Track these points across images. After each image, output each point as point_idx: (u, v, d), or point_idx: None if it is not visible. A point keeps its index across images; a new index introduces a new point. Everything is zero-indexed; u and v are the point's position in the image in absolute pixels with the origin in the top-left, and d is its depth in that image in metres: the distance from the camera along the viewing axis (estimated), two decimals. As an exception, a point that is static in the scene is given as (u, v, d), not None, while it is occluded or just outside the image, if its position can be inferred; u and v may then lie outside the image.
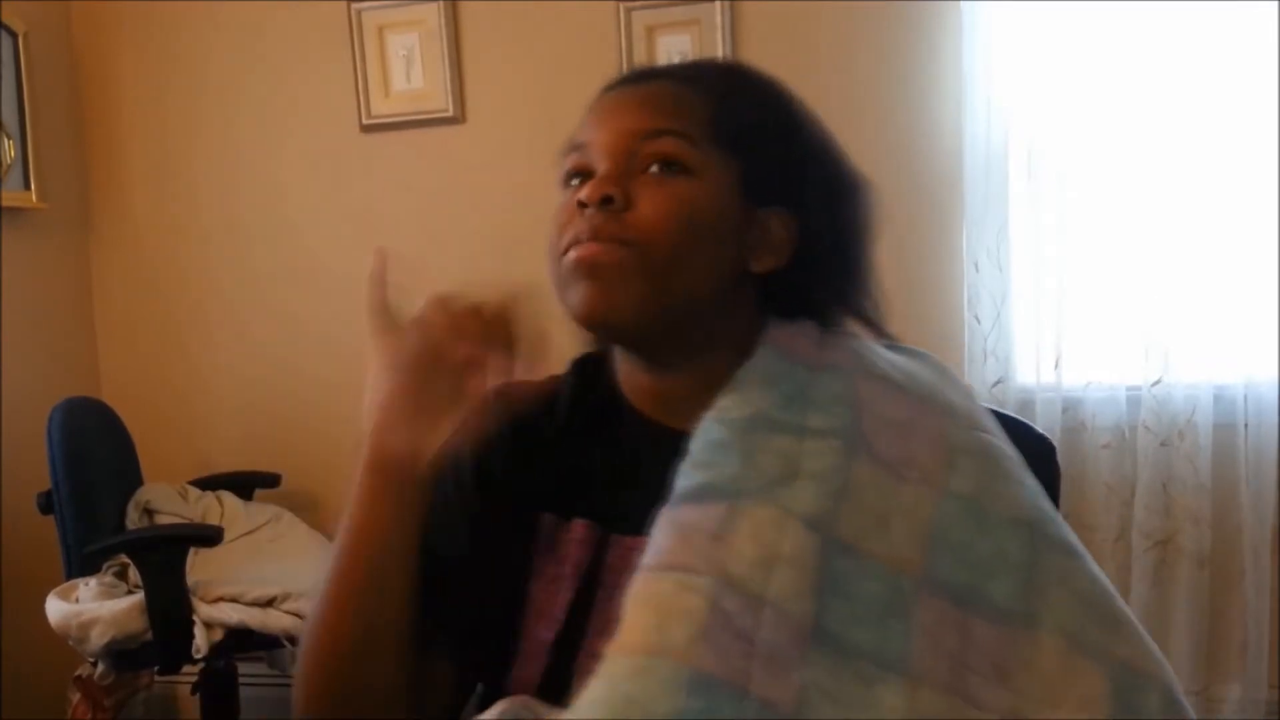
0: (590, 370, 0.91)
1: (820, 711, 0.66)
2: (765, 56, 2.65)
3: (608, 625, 0.75)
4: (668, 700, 0.64)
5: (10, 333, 2.59)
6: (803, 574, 0.70)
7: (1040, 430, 1.05)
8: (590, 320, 0.81)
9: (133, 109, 2.88)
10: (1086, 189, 2.41)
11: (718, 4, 2.50)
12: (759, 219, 0.82)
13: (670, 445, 0.79)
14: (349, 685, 0.79)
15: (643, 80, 0.86)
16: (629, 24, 2.54)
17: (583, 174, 0.82)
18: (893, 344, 0.89)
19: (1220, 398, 2.36)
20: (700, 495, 0.74)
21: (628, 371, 0.87)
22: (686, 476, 0.76)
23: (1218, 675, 2.41)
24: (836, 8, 2.49)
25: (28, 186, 2.66)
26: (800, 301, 0.85)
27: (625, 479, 0.85)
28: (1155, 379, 2.37)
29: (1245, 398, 2.35)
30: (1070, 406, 2.43)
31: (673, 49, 2.53)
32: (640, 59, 2.54)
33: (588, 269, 0.79)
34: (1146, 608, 2.36)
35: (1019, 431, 0.94)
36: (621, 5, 2.54)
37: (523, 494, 0.87)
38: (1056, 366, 2.42)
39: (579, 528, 0.84)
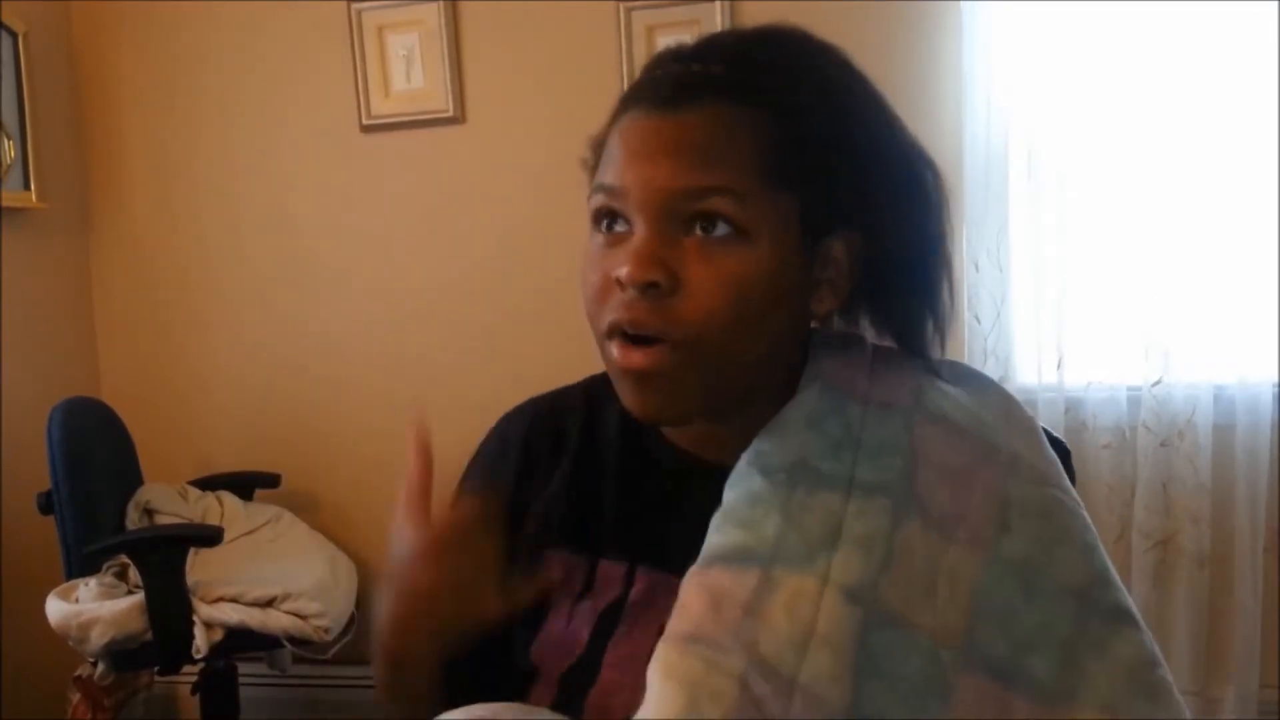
0: (600, 391, 0.85)
1: None
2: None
3: (623, 660, 0.75)
4: None
5: (10, 333, 2.59)
6: (839, 655, 0.66)
7: (1056, 434, 1.04)
8: (645, 420, 0.76)
9: (133, 109, 2.87)
10: (1086, 189, 2.41)
11: (718, 4, 2.50)
12: (820, 254, 0.74)
13: (703, 479, 0.75)
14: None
15: (678, 102, 0.72)
16: (629, 24, 2.54)
17: (615, 217, 0.74)
18: (955, 367, 0.82)
19: (1220, 398, 2.36)
20: (735, 557, 0.69)
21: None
22: (721, 532, 0.71)
23: (1217, 675, 2.41)
24: (836, 8, 2.48)
25: (28, 186, 2.65)
26: (861, 340, 0.78)
27: (649, 511, 0.81)
28: (1155, 379, 2.37)
29: (1245, 398, 2.35)
30: (1071, 407, 2.43)
31: (673, 49, 2.53)
32: (640, 59, 2.54)
33: (637, 378, 0.72)
34: (1146, 608, 2.36)
35: None
36: (621, 5, 2.54)
37: (543, 525, 0.83)
38: (1057, 367, 2.42)
39: (609, 569, 0.80)
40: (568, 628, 0.79)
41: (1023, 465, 0.75)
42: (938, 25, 2.44)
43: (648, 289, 0.70)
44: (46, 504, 2.31)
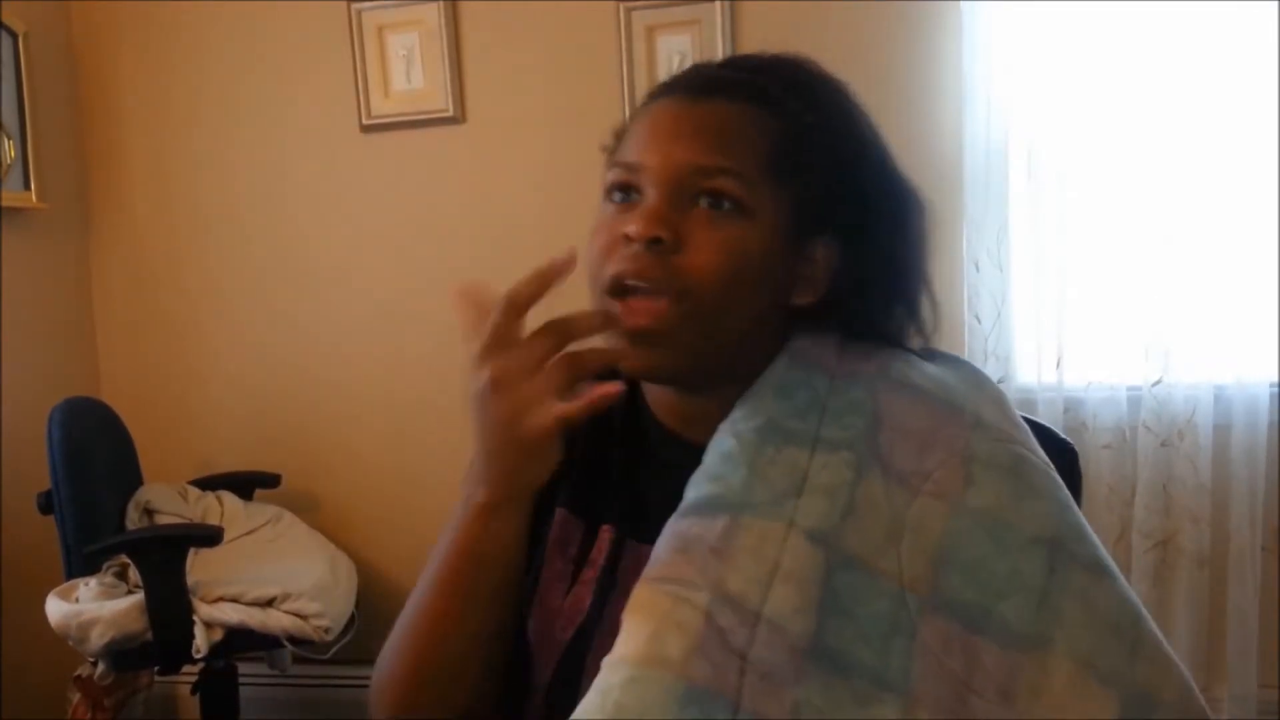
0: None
1: None
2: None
3: (617, 629, 0.76)
4: (660, 711, 0.65)
5: (10, 333, 2.59)
6: (802, 590, 0.70)
7: (1062, 435, 1.04)
8: (636, 375, 0.82)
9: (133, 109, 2.87)
10: (1087, 189, 2.41)
11: (718, 4, 2.49)
12: (805, 251, 0.80)
13: (693, 460, 0.79)
14: (448, 685, 0.80)
15: (703, 94, 0.80)
16: (629, 24, 2.54)
17: (629, 190, 0.80)
18: (929, 350, 0.87)
19: (1220, 398, 2.36)
20: (705, 507, 0.74)
21: (653, 389, 0.87)
22: (695, 487, 0.76)
23: (1217, 675, 2.41)
24: (836, 8, 2.49)
25: (28, 186, 2.65)
26: (832, 324, 0.83)
27: (646, 489, 0.86)
28: (1156, 379, 2.37)
29: (1245, 398, 2.35)
30: (1071, 407, 2.43)
31: (672, 49, 2.53)
32: (640, 59, 2.54)
33: (637, 336, 0.77)
34: (1147, 608, 2.35)
35: (1042, 437, 0.93)
36: (621, 5, 2.54)
37: (546, 490, 0.87)
38: (1057, 367, 2.42)
39: (605, 532, 0.85)
40: (567, 598, 0.83)
41: (987, 424, 0.78)
42: (938, 25, 2.44)
43: (653, 244, 0.76)
44: (46, 504, 2.31)
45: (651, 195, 0.78)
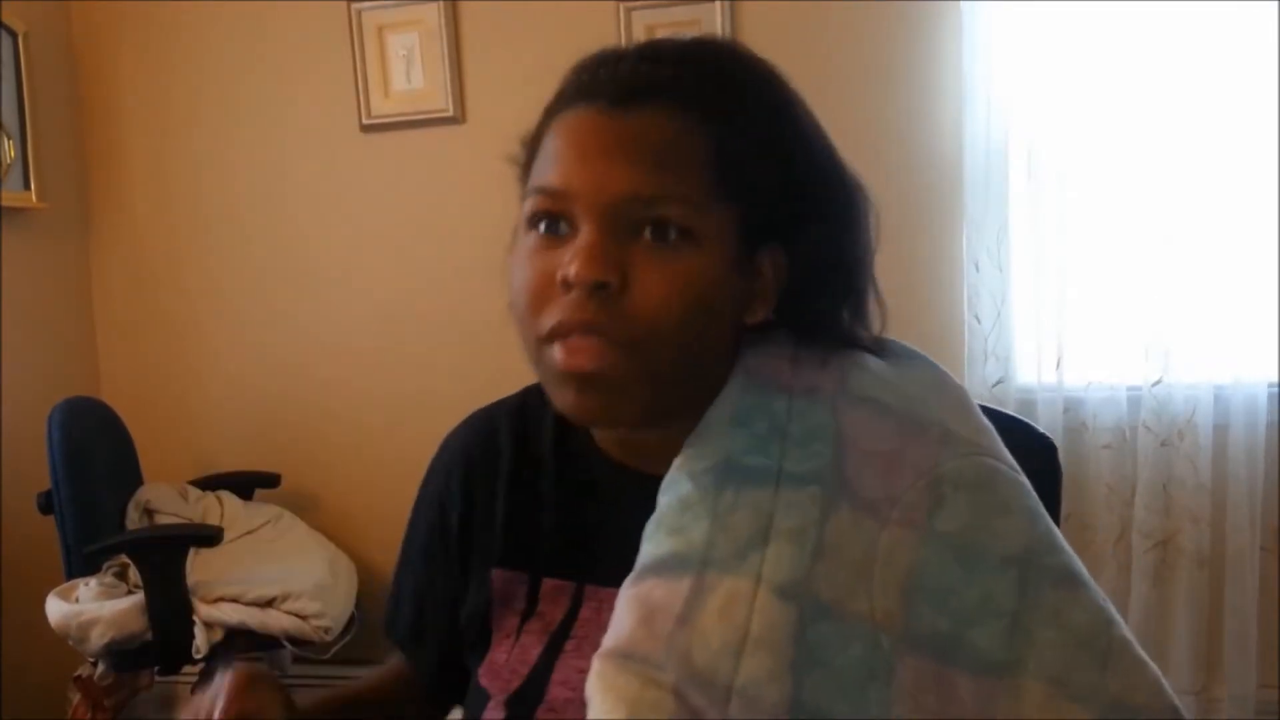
0: (536, 405, 0.84)
1: None
2: (765, 56, 2.65)
3: (571, 675, 0.75)
4: None
5: (10, 333, 2.59)
6: (775, 655, 0.65)
7: (1040, 430, 1.03)
8: (584, 424, 0.76)
9: (133, 109, 2.87)
10: (1087, 189, 2.41)
11: (718, 4, 2.50)
12: (754, 266, 0.73)
13: (639, 490, 0.74)
14: None
15: (629, 101, 0.70)
16: (629, 24, 2.54)
17: (556, 219, 0.71)
18: (881, 344, 0.80)
19: (1220, 398, 2.36)
20: (666, 567, 0.68)
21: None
22: (653, 541, 0.70)
23: (1216, 675, 2.41)
24: (836, 8, 2.49)
25: (28, 186, 2.66)
26: (781, 332, 0.77)
27: (591, 529, 0.81)
28: (1156, 379, 2.37)
29: (1244, 398, 2.35)
30: (1071, 407, 2.43)
31: (673, 49, 2.53)
32: (640, 59, 2.54)
33: (582, 381, 0.69)
34: (1146, 608, 2.37)
35: (1018, 431, 0.91)
36: (621, 5, 2.54)
37: (481, 550, 0.83)
38: (1057, 367, 2.42)
39: (551, 586, 0.80)
40: (513, 651, 0.79)
41: (954, 438, 0.73)
42: (938, 25, 2.44)
43: (597, 289, 0.67)
44: (46, 504, 2.31)
45: (587, 230, 0.68)
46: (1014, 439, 0.79)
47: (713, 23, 2.50)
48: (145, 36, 2.84)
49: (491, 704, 0.78)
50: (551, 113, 0.74)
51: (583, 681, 0.69)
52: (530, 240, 0.72)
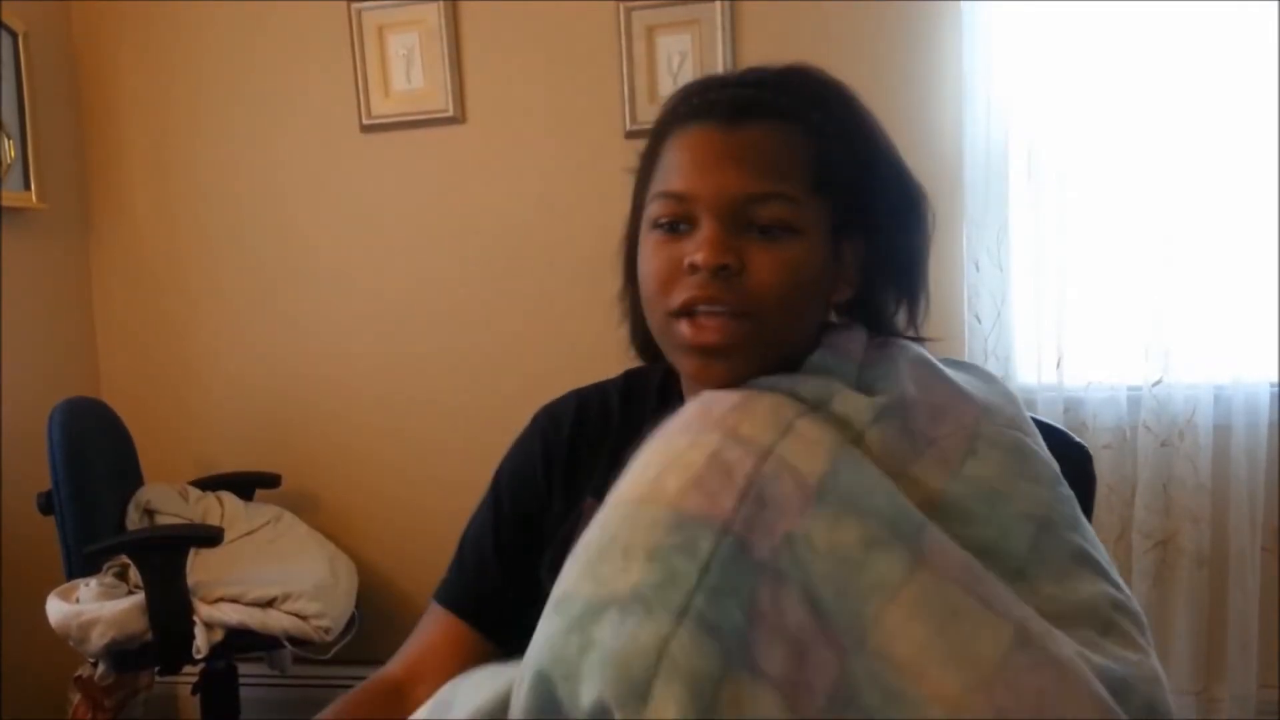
0: (640, 380, 0.99)
1: (801, 562, 0.66)
2: (766, 56, 2.64)
3: None
4: (648, 536, 0.66)
5: (10, 333, 2.59)
6: (818, 444, 0.72)
7: (1077, 438, 1.05)
8: (707, 385, 0.85)
9: (133, 109, 2.87)
10: (1087, 189, 2.41)
11: (718, 4, 2.49)
12: (839, 253, 0.86)
13: None
14: None
15: (739, 118, 0.83)
16: (629, 23, 2.54)
17: (677, 221, 0.84)
18: (946, 359, 0.91)
19: (1220, 398, 2.36)
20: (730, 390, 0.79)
21: (692, 386, 0.90)
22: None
23: (1216, 675, 2.41)
24: (836, 7, 2.48)
25: (28, 187, 2.65)
26: (861, 317, 0.90)
27: None
28: (1156, 379, 2.37)
29: (1245, 398, 2.35)
30: (1071, 407, 2.43)
31: (672, 49, 2.53)
32: (640, 58, 2.54)
33: (711, 351, 0.82)
34: (1147, 608, 2.35)
35: (1054, 438, 0.94)
36: (621, 5, 2.54)
37: (576, 483, 0.95)
38: (1057, 367, 2.42)
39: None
40: None
41: (995, 411, 0.82)
42: (938, 25, 2.44)
43: (720, 270, 0.80)
44: (47, 504, 2.31)
45: (708, 225, 0.81)
46: (1050, 443, 0.84)
47: (713, 22, 2.50)
48: (145, 37, 2.84)
49: None
50: (664, 132, 0.87)
51: None
52: (655, 236, 0.85)
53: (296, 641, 2.27)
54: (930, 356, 0.88)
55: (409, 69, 2.68)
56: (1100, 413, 2.42)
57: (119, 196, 2.90)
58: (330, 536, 2.67)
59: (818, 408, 0.78)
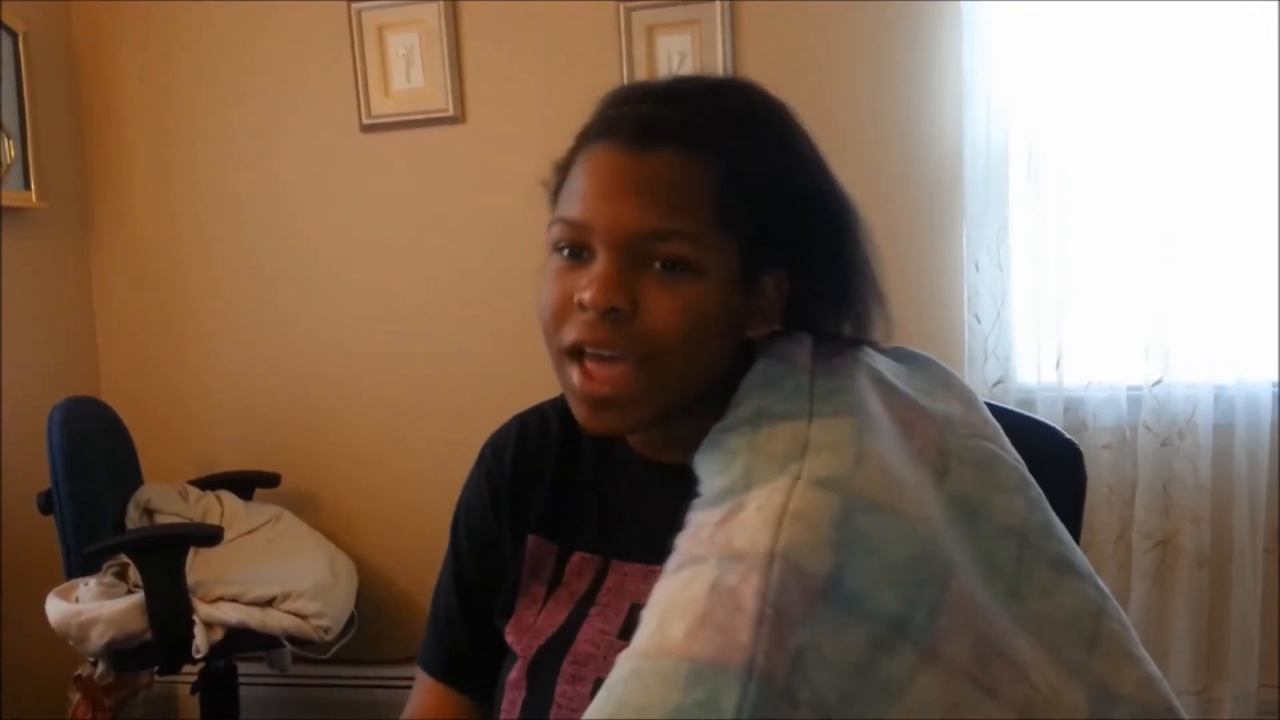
0: (565, 413, 0.91)
1: (811, 680, 0.62)
2: (766, 56, 2.66)
3: (595, 635, 0.81)
4: (664, 697, 0.60)
5: (10, 332, 2.59)
6: (815, 529, 0.66)
7: (1066, 435, 1.04)
8: (597, 435, 0.83)
9: (133, 108, 2.87)
10: (1087, 189, 2.41)
11: (718, 4, 2.49)
12: (756, 289, 0.80)
13: (664, 479, 0.83)
14: None
15: (647, 144, 0.77)
16: (629, 23, 2.54)
17: (578, 247, 0.78)
18: (895, 349, 0.88)
19: (1220, 398, 2.36)
20: (713, 499, 0.72)
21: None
22: (704, 485, 0.75)
23: (1216, 675, 2.41)
24: (837, 7, 2.48)
25: (28, 186, 2.65)
26: (802, 331, 0.84)
27: (621, 512, 0.88)
28: (1156, 379, 2.37)
29: (1245, 398, 2.35)
30: (1071, 406, 2.43)
31: (673, 49, 2.53)
32: (640, 58, 2.54)
33: (597, 402, 0.78)
34: (1147, 608, 2.36)
35: (1044, 435, 0.93)
36: (621, 5, 2.54)
37: (521, 518, 0.91)
38: (1057, 366, 2.41)
39: (586, 560, 0.87)
40: (540, 615, 0.86)
41: (957, 422, 0.80)
42: (938, 25, 2.43)
43: (609, 313, 0.75)
44: (46, 503, 2.31)
45: (603, 259, 0.76)
46: (1039, 443, 0.84)
47: (713, 22, 2.50)
48: (145, 36, 2.84)
49: (519, 660, 0.84)
50: (580, 144, 0.82)
51: (605, 641, 0.79)
52: (555, 262, 0.80)
53: (296, 641, 2.27)
54: (878, 360, 0.83)
55: (409, 69, 2.68)
56: (1100, 412, 2.41)
57: (118, 196, 2.90)
58: (330, 536, 2.67)
59: (798, 454, 0.71)
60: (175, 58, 2.83)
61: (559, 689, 0.80)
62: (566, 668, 0.81)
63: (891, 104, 2.48)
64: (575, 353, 0.77)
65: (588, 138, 0.81)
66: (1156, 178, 2.34)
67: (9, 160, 2.59)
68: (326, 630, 2.31)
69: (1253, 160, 2.30)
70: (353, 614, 2.47)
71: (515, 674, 0.84)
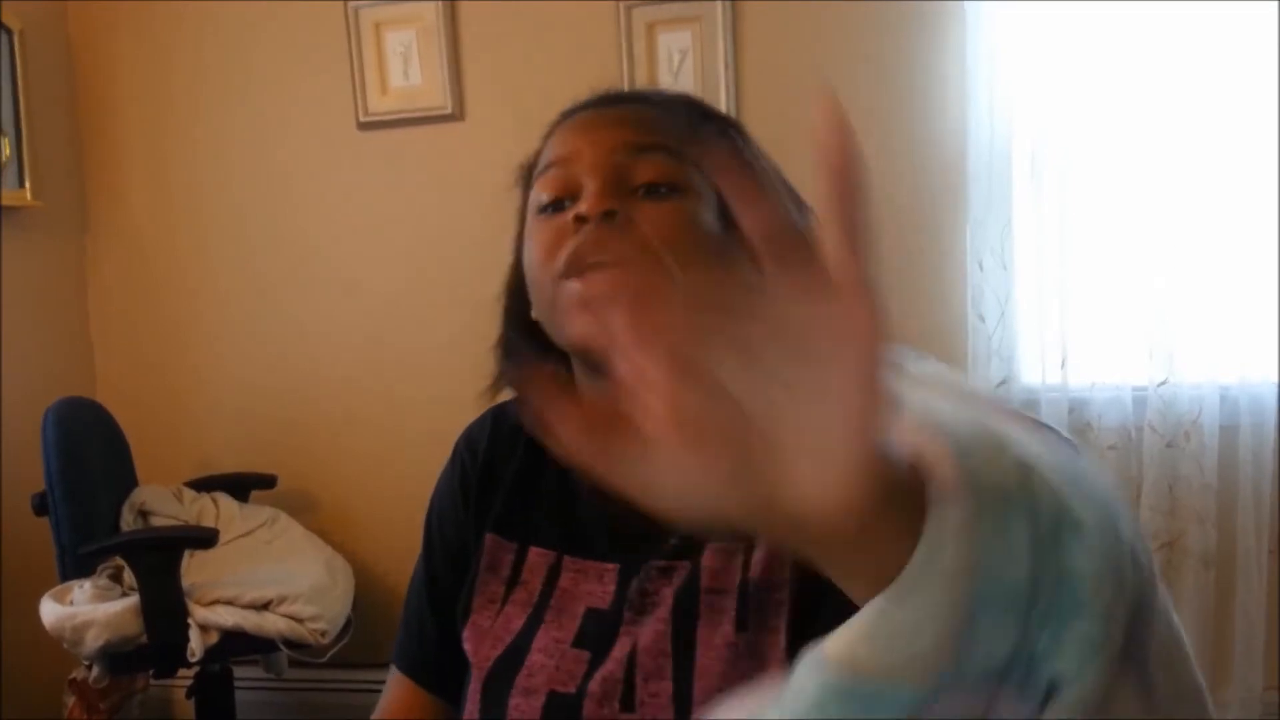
0: None
1: None
2: (767, 54, 2.65)
3: (549, 644, 0.79)
4: None
5: (5, 332, 2.57)
6: None
7: (1066, 435, 1.02)
8: (599, 350, 0.77)
9: (129, 107, 2.86)
10: (1091, 188, 2.39)
11: (719, 2, 2.47)
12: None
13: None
14: None
15: (613, 103, 0.83)
16: (629, 20, 2.52)
17: (564, 200, 0.78)
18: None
19: (1226, 398, 2.34)
20: None
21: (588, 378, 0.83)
22: None
23: (1223, 676, 2.39)
24: (839, 8, 2.47)
25: (23, 185, 2.64)
26: None
27: (578, 506, 0.85)
28: (1161, 380, 2.35)
29: (1251, 398, 2.33)
30: (1075, 407, 2.41)
31: (673, 46, 2.51)
32: (640, 56, 2.52)
33: (599, 306, 0.73)
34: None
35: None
36: (621, 2, 2.52)
37: (485, 513, 0.89)
38: (1062, 367, 2.40)
39: (540, 555, 0.85)
40: (497, 619, 0.83)
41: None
42: (941, 26, 2.42)
43: (606, 217, 0.74)
44: (41, 505, 2.29)
45: (591, 183, 0.77)
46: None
47: (713, 19, 2.48)
48: (142, 34, 2.83)
49: (474, 675, 0.83)
50: (549, 134, 0.85)
51: (559, 650, 0.77)
52: (539, 221, 0.80)
53: (292, 644, 2.25)
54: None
55: (406, 66, 2.66)
56: (1105, 413, 2.40)
57: (115, 194, 2.89)
58: (327, 538, 2.65)
59: None
60: (172, 56, 2.82)
61: (512, 702, 0.78)
62: (520, 680, 0.79)
63: (895, 103, 2.46)
64: (573, 272, 0.74)
65: (556, 124, 0.85)
66: (1161, 177, 2.32)
67: (5, 158, 2.58)
68: (323, 633, 2.29)
69: (1256, 160, 2.29)
70: (349, 617, 2.45)
71: (472, 685, 0.83)
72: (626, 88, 0.89)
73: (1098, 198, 2.40)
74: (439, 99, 2.64)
